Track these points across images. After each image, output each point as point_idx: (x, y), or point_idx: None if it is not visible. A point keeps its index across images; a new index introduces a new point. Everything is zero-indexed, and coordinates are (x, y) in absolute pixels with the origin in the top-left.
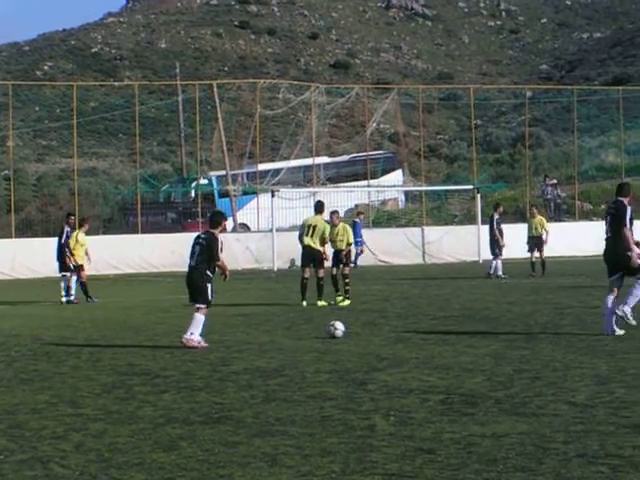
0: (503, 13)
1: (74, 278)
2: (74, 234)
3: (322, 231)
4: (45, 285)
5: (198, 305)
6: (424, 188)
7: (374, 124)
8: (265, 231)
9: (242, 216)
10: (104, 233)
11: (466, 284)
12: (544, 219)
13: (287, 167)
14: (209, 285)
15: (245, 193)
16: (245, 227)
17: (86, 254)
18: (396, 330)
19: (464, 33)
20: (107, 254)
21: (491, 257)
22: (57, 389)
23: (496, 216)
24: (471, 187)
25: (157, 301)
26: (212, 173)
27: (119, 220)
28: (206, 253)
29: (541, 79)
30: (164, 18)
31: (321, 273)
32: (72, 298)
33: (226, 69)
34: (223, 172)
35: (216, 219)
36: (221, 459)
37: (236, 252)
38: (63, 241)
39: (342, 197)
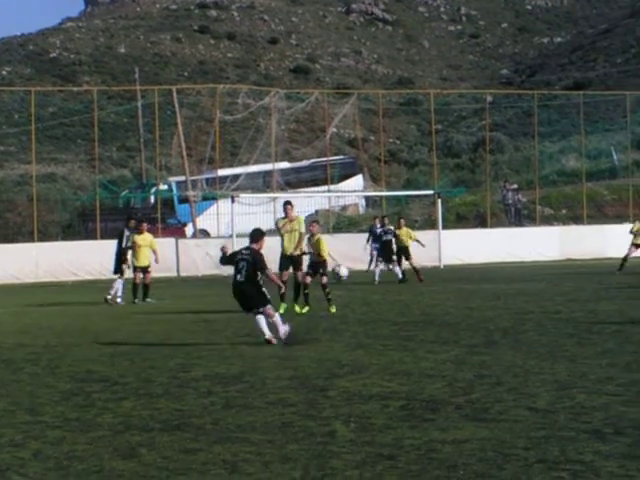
0: (463, 18)
1: (120, 281)
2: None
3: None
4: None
5: (261, 309)
6: (384, 193)
7: (334, 129)
8: (225, 237)
9: (202, 222)
10: (63, 239)
11: (427, 289)
12: (410, 230)
13: (247, 172)
14: (264, 289)
15: (205, 199)
16: (205, 233)
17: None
18: (356, 336)
19: (424, 38)
20: (66, 260)
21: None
22: (15, 396)
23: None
24: (432, 192)
25: (116, 307)
26: (171, 179)
27: (78, 226)
28: (252, 268)
29: (502, 84)
30: (123, 23)
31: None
32: (119, 300)
33: (186, 74)
34: (183, 178)
35: (255, 235)
36: (180, 466)
37: (196, 258)
38: (124, 245)
39: (302, 202)
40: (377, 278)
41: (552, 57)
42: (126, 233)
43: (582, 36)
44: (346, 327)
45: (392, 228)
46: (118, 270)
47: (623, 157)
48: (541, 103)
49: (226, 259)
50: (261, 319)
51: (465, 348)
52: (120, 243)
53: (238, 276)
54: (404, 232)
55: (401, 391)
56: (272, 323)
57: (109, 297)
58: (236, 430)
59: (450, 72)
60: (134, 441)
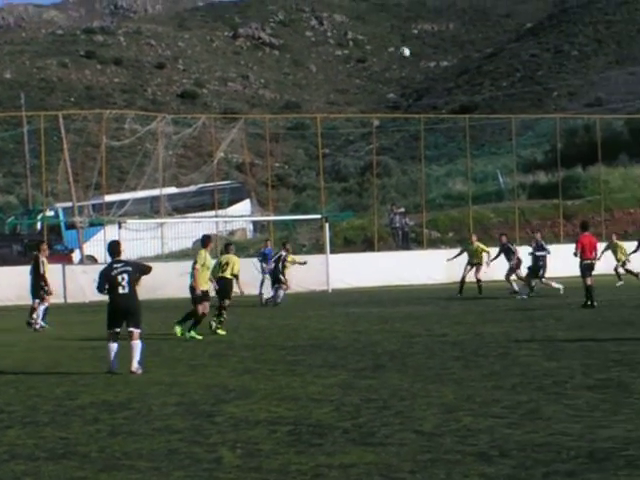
0: (350, 42)
1: (42, 307)
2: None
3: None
4: None
5: (137, 329)
6: (272, 218)
7: (222, 154)
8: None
9: (89, 248)
10: None
11: (315, 314)
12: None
13: (134, 198)
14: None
15: (92, 225)
16: (92, 259)
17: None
18: (244, 361)
19: (311, 62)
20: None
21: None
22: None
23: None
24: (319, 216)
25: (2, 335)
26: (58, 204)
27: None
28: (134, 277)
29: (389, 108)
30: (9, 48)
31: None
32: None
33: (72, 99)
34: (69, 203)
35: (116, 247)
36: None
37: (83, 284)
38: (41, 271)
39: (189, 228)
40: (265, 299)
41: (438, 81)
42: (41, 259)
43: (468, 60)
44: (233, 352)
45: (283, 253)
46: (37, 295)
47: (509, 180)
48: (428, 127)
49: (100, 281)
50: (114, 347)
51: (352, 372)
52: (36, 269)
53: (120, 289)
54: (290, 258)
55: (288, 416)
56: (133, 346)
57: (32, 321)
58: (122, 457)
59: (337, 96)
60: (19, 470)
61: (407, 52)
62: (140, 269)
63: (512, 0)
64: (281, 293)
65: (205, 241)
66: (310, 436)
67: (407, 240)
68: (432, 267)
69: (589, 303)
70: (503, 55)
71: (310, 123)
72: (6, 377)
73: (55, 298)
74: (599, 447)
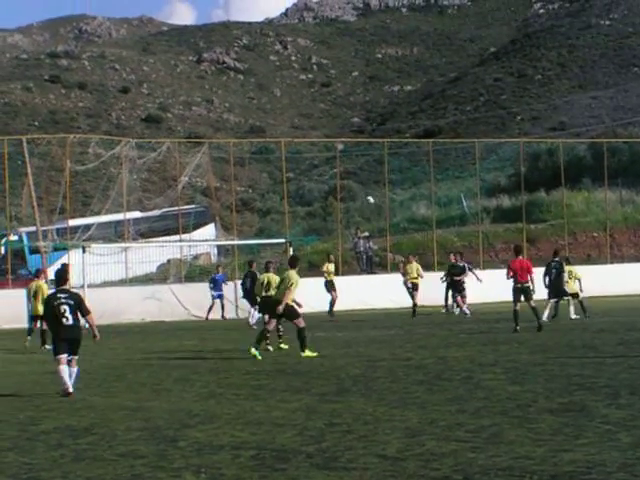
0: (314, 67)
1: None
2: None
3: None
4: None
5: (75, 357)
6: (236, 242)
7: (186, 178)
8: (77, 287)
9: (53, 272)
10: None
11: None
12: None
13: (98, 222)
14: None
15: (56, 249)
16: None
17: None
18: (208, 385)
19: (276, 86)
20: None
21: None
22: None
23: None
24: (283, 240)
25: None
26: (22, 229)
27: None
28: (76, 310)
29: (353, 132)
30: None
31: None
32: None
33: (36, 124)
34: (33, 228)
35: (64, 274)
36: None
37: None
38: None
39: (154, 252)
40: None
41: (402, 105)
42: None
43: (432, 84)
44: (198, 377)
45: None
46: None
47: (473, 204)
48: (392, 151)
49: (45, 309)
50: (66, 369)
51: (316, 396)
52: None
53: (64, 320)
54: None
55: (252, 440)
56: (71, 371)
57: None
58: None
59: (302, 120)
60: None
61: (371, 200)
62: (80, 309)
63: (476, 25)
64: (256, 315)
65: (294, 262)
66: (274, 461)
67: (371, 264)
68: (396, 291)
69: (517, 328)
70: (467, 79)
71: (274, 147)
72: None
73: (18, 323)
74: (562, 471)
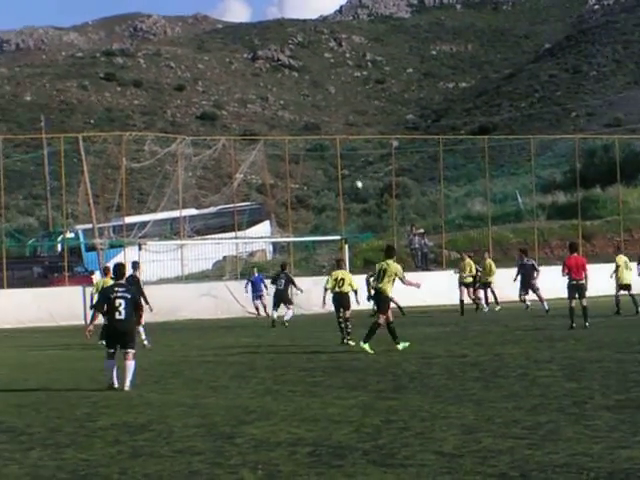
0: (369, 64)
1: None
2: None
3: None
4: None
5: (130, 350)
6: (292, 239)
7: (241, 175)
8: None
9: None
10: None
11: (334, 335)
12: None
13: (154, 220)
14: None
15: (112, 246)
16: None
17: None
18: (264, 382)
19: (330, 84)
20: None
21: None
22: None
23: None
24: (339, 237)
25: (23, 357)
26: (79, 226)
27: None
28: (132, 305)
29: (407, 129)
30: (29, 71)
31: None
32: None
33: (92, 121)
34: (90, 225)
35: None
36: None
37: None
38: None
39: (210, 249)
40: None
41: (457, 102)
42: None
43: (487, 81)
44: (254, 373)
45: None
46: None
47: (528, 200)
48: (446, 148)
49: (99, 300)
50: (113, 363)
51: (372, 393)
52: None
53: (117, 314)
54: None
55: (309, 437)
56: (127, 366)
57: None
58: (143, 479)
59: (356, 117)
60: None
61: (360, 184)
62: (135, 304)
63: (531, 21)
64: (290, 313)
65: (391, 252)
66: (330, 457)
67: (426, 261)
68: (450, 288)
69: (574, 325)
70: (522, 76)
71: (329, 144)
72: (27, 399)
73: (74, 320)
74: (619, 468)
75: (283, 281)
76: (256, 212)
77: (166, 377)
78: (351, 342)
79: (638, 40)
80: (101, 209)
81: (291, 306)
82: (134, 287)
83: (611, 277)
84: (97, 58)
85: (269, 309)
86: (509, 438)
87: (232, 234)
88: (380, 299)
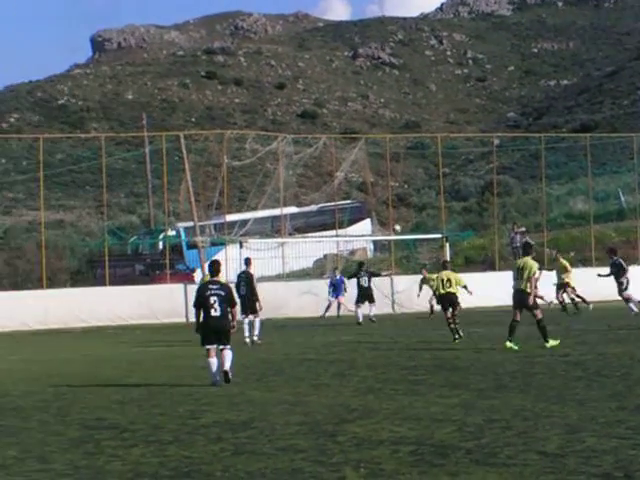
0: (470, 61)
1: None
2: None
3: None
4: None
5: (228, 346)
6: (393, 237)
7: (342, 174)
8: (234, 282)
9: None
10: (72, 286)
11: (436, 333)
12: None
13: (255, 218)
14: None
15: (213, 244)
16: None
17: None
18: (366, 381)
19: (431, 81)
20: (75, 307)
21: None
22: (25, 444)
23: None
24: (440, 236)
25: (126, 354)
26: (180, 224)
27: (87, 272)
28: (226, 303)
29: (508, 127)
30: (130, 69)
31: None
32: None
33: (193, 120)
34: (191, 223)
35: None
36: None
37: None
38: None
39: (310, 247)
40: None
41: (559, 100)
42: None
43: (588, 78)
44: (355, 372)
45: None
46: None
47: (631, 199)
48: (548, 146)
49: (195, 298)
50: (215, 361)
51: (474, 392)
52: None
53: (212, 311)
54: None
55: (411, 436)
56: (224, 354)
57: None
58: (246, 477)
59: (457, 115)
60: None
61: (398, 228)
62: (229, 301)
63: (633, 18)
64: (374, 309)
65: (529, 249)
66: (433, 456)
67: None
68: (552, 286)
69: None
70: (624, 73)
71: (430, 142)
72: (130, 396)
73: (178, 317)
74: None
75: (366, 278)
76: (357, 210)
77: (268, 375)
78: (509, 344)
79: None
80: (202, 207)
81: (374, 303)
82: (244, 282)
83: None
84: (198, 56)
85: (341, 310)
86: (613, 438)
87: (333, 232)
88: (523, 298)
